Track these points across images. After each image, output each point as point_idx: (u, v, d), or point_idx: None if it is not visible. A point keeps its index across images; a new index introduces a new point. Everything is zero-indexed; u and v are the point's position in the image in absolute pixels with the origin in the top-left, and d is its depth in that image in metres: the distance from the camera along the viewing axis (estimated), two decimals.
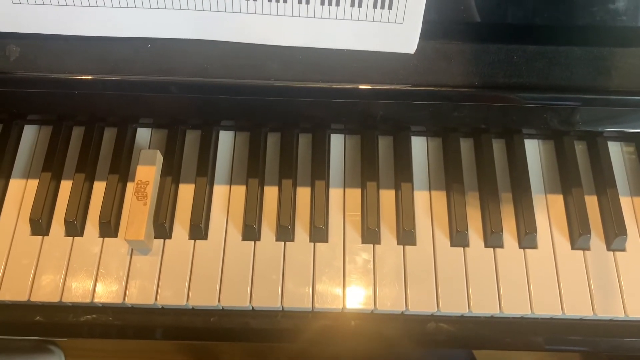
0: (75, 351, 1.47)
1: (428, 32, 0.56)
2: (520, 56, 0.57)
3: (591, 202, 0.70)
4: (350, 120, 0.63)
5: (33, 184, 0.70)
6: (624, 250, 0.68)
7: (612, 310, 0.65)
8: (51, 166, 0.70)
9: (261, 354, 1.45)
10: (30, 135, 0.73)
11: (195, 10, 0.55)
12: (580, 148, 0.73)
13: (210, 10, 0.55)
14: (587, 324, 0.66)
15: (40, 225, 0.66)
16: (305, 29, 0.56)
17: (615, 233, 0.66)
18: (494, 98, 0.58)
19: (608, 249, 0.68)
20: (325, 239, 0.67)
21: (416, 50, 0.57)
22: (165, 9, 0.55)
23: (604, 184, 0.70)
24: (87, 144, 0.71)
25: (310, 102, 0.59)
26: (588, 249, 0.67)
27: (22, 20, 0.56)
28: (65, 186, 0.70)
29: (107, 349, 1.48)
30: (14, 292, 0.64)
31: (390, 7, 0.54)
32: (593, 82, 0.57)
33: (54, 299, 0.64)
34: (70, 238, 0.67)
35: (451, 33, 0.58)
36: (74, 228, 0.67)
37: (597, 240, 0.68)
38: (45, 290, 0.64)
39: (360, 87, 0.57)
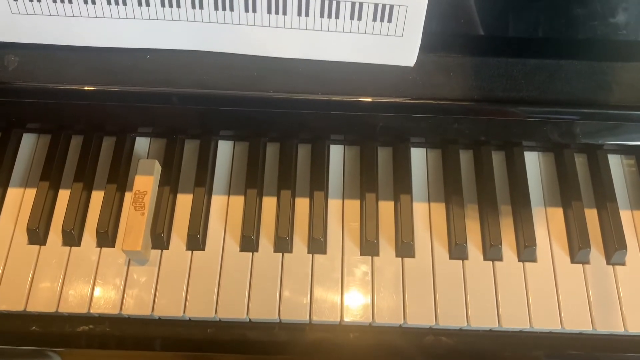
0: (73, 357, 1.46)
1: (428, 45, 0.56)
2: (520, 70, 0.57)
3: (591, 216, 0.70)
4: (349, 132, 0.63)
5: (31, 192, 0.69)
6: (623, 264, 0.67)
7: (612, 324, 0.64)
8: (49, 175, 0.69)
9: None
10: (28, 144, 0.73)
11: (195, 21, 0.55)
12: (580, 161, 0.73)
13: (210, 22, 0.55)
14: (587, 339, 0.66)
15: (37, 234, 0.66)
16: (304, 41, 0.56)
17: (615, 247, 0.66)
18: (494, 112, 0.58)
19: (608, 263, 0.67)
20: (323, 251, 0.67)
21: (416, 63, 0.57)
22: (165, 20, 0.55)
23: (604, 197, 0.69)
24: (85, 153, 0.71)
25: (310, 114, 0.59)
26: (588, 262, 0.67)
27: (21, 30, 0.56)
28: (63, 195, 0.69)
29: (105, 355, 1.47)
30: (10, 302, 0.64)
31: (389, 20, 0.54)
32: (593, 96, 0.57)
33: (51, 309, 0.64)
34: (68, 248, 0.67)
35: (451, 46, 0.58)
36: (72, 238, 0.66)
37: (596, 254, 0.68)
38: (42, 300, 0.64)
39: (359, 99, 0.57)
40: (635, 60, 0.57)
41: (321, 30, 0.55)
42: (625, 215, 0.70)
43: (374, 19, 0.54)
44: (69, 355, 1.42)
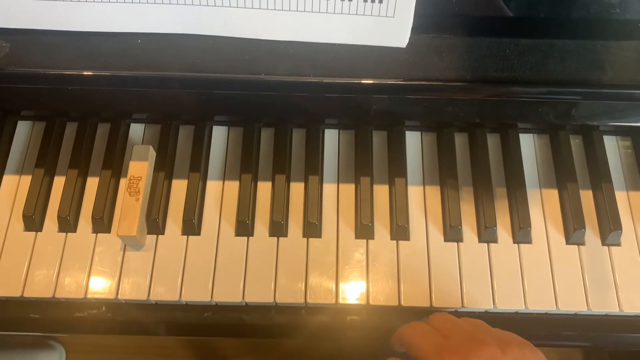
0: (77, 346, 1.48)
1: (419, 26, 0.55)
2: (512, 50, 0.57)
3: (587, 197, 0.70)
4: (342, 115, 0.63)
5: (26, 179, 0.70)
6: (619, 245, 0.67)
7: (607, 305, 0.64)
8: (44, 162, 0.70)
9: (262, 349, 1.46)
10: (23, 131, 0.73)
11: (185, 4, 0.55)
12: (576, 142, 0.73)
13: (200, 5, 0.55)
14: (582, 319, 0.66)
15: (33, 221, 0.66)
16: (295, 23, 0.55)
17: (610, 228, 0.66)
18: (486, 92, 0.57)
19: (603, 244, 0.67)
20: (318, 235, 0.67)
21: (408, 44, 0.56)
22: (155, 3, 0.55)
23: (599, 178, 0.69)
24: (80, 140, 0.71)
25: (302, 97, 0.59)
26: (583, 243, 0.67)
27: (11, 15, 0.56)
28: (59, 182, 0.69)
29: (108, 345, 1.48)
30: (7, 288, 0.64)
31: (381, 1, 0.54)
32: (586, 76, 0.56)
33: (47, 294, 0.64)
34: (64, 234, 0.67)
35: (443, 27, 0.57)
36: (67, 224, 0.66)
37: (592, 235, 0.68)
38: (39, 286, 0.64)
39: (351, 81, 0.56)
40: (628, 39, 0.57)
41: (312, 11, 0.55)
42: (621, 197, 0.70)
43: (365, 0, 0.54)
44: (72, 345, 1.43)
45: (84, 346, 1.50)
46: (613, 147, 0.73)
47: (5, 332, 0.67)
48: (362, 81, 0.56)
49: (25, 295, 0.64)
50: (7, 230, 0.67)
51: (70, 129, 0.73)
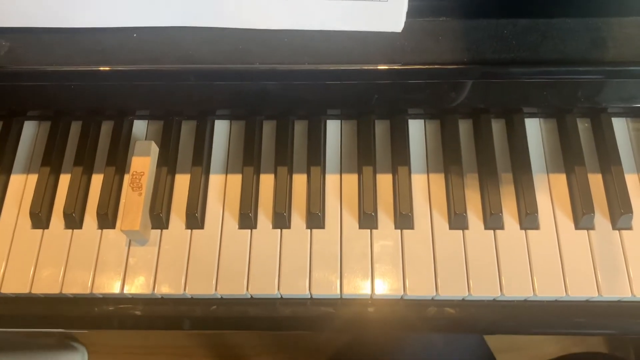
0: (98, 347, 1.50)
1: (415, 10, 0.55)
2: (510, 30, 0.56)
3: (596, 181, 0.68)
4: (340, 103, 0.62)
5: (33, 178, 0.70)
6: (630, 228, 0.65)
7: (619, 290, 0.62)
8: (50, 161, 0.70)
9: (279, 347, 1.46)
10: (30, 131, 0.74)
11: None
12: (585, 126, 0.71)
13: None
14: (594, 306, 0.65)
15: (40, 218, 0.67)
16: (289, 11, 0.55)
17: (620, 211, 0.64)
18: (485, 74, 0.56)
19: (614, 228, 0.65)
20: (321, 225, 0.67)
21: (403, 28, 0.56)
22: None
23: (609, 161, 0.67)
24: (84, 138, 0.72)
25: (298, 86, 0.58)
26: (592, 228, 0.65)
27: (9, 14, 0.56)
28: (64, 180, 0.70)
29: (129, 345, 1.50)
30: (15, 285, 0.65)
31: None
32: (587, 54, 0.55)
33: (54, 290, 0.65)
34: (70, 231, 0.68)
35: (439, 9, 0.57)
36: (73, 221, 0.67)
37: (602, 219, 0.66)
38: (46, 283, 0.65)
39: (346, 68, 0.56)
40: (630, 15, 0.55)
41: None
42: (632, 179, 0.68)
43: None
44: (94, 346, 1.45)
45: (105, 347, 1.52)
46: (623, 129, 0.71)
47: (15, 329, 0.68)
48: (358, 67, 0.56)
49: (33, 291, 0.65)
50: (15, 228, 0.68)
51: (75, 128, 0.74)
